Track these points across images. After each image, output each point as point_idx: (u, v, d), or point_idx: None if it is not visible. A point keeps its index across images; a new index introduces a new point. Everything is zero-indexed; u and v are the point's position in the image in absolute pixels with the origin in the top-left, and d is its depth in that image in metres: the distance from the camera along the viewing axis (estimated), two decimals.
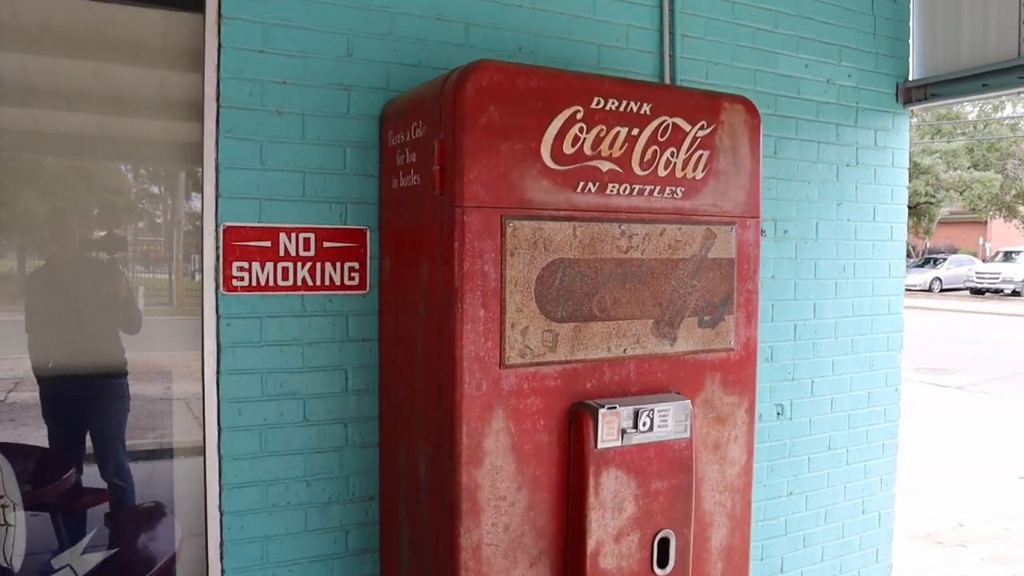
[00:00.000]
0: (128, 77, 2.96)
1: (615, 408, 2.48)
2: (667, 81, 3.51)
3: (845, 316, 4.17)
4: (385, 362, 2.91)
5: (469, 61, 2.38)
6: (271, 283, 2.78)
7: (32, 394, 3.20)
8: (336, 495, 2.93)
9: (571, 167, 2.46)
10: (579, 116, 2.46)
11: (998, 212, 35.05)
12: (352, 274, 2.90)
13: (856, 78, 4.12)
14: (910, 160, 4.43)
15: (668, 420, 2.59)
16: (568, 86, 2.45)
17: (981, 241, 39.44)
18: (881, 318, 4.29)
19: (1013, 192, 33.50)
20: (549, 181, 2.43)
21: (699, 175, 2.73)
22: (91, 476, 3.31)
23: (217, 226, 2.71)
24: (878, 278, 4.27)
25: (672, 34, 3.53)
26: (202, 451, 2.79)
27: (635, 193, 2.59)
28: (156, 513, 3.51)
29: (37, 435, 3.30)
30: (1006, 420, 9.98)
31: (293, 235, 2.81)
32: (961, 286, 31.78)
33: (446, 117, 2.35)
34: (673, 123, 2.64)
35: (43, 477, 3.27)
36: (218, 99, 2.69)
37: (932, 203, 32.86)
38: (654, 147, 2.61)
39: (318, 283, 2.85)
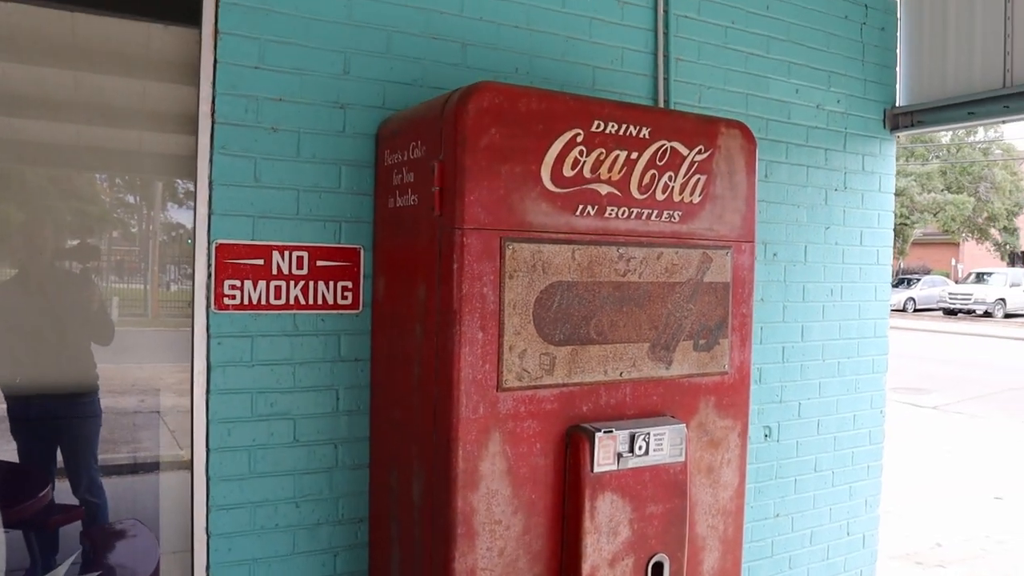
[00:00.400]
0: (123, 90, 2.93)
1: (611, 432, 2.47)
2: (661, 104, 3.52)
3: (832, 339, 4.20)
4: (377, 382, 2.88)
5: (465, 81, 2.39)
6: (263, 302, 2.75)
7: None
8: (325, 517, 2.89)
9: (571, 190, 2.46)
10: (579, 139, 2.46)
11: (970, 234, 35.67)
12: (345, 293, 2.87)
13: (845, 104, 4.17)
14: None
15: (663, 444, 2.58)
16: (569, 109, 2.45)
17: (954, 262, 40.00)
18: (867, 341, 4.33)
19: (985, 215, 34.12)
20: (549, 204, 2.42)
21: (696, 199, 2.73)
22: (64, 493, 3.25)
23: (209, 243, 2.67)
24: (864, 301, 4.30)
25: (666, 57, 3.55)
26: (189, 467, 2.73)
27: (633, 217, 2.59)
28: (133, 532, 3.44)
29: (6, 448, 3.23)
30: (981, 440, 10.09)
31: (286, 253, 2.78)
32: (934, 306, 32.20)
33: (447, 138, 2.34)
34: (671, 147, 2.65)
35: (15, 494, 3.21)
36: (213, 115, 2.66)
37: (907, 224, 33.35)
38: (652, 171, 2.61)
39: (311, 302, 2.82)
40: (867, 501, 4.37)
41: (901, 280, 34.54)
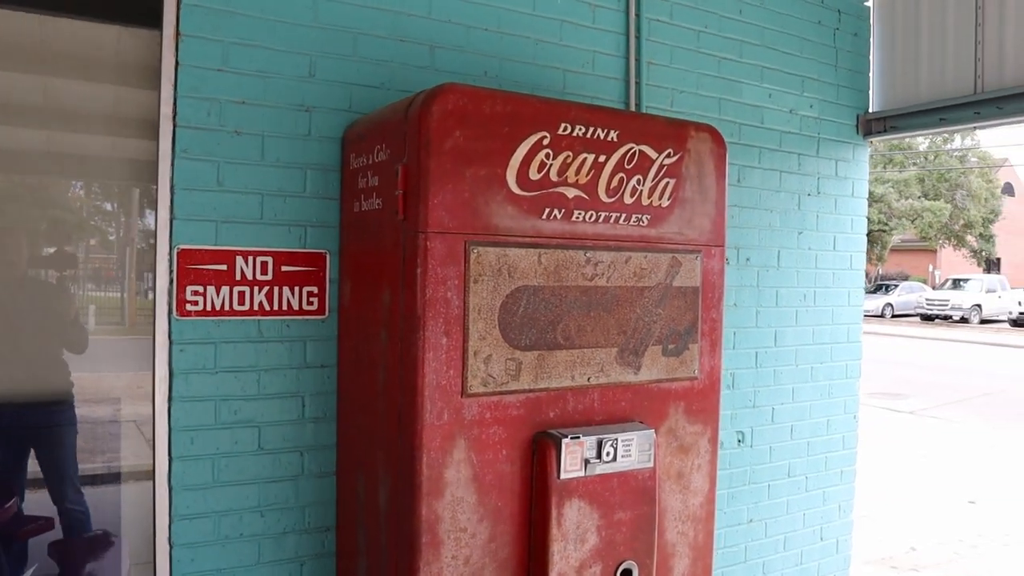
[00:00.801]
0: (81, 93, 2.88)
1: (579, 438, 2.44)
2: (633, 108, 3.51)
3: (805, 344, 4.20)
4: (344, 389, 2.84)
5: (434, 84, 2.35)
6: (227, 308, 2.70)
7: None
8: (291, 526, 2.84)
9: (537, 193, 2.43)
10: (546, 142, 2.43)
11: (948, 241, 36.03)
12: (311, 299, 2.83)
13: (818, 109, 4.18)
14: None
15: (632, 450, 2.55)
16: (535, 111, 2.43)
17: (931, 269, 40.41)
18: (840, 346, 4.33)
19: (962, 222, 34.47)
20: (514, 207, 2.40)
21: (665, 203, 2.71)
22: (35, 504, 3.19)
23: (171, 249, 2.62)
24: (838, 306, 4.31)
25: (638, 61, 3.53)
26: (152, 479, 2.68)
27: (601, 220, 2.57)
28: (103, 542, 3.38)
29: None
30: (956, 445, 10.15)
31: (250, 258, 2.73)
32: (912, 312, 32.46)
33: (411, 141, 2.31)
34: (640, 150, 2.63)
35: None
36: (174, 118, 2.62)
37: (884, 231, 33.62)
38: (621, 174, 2.59)
39: (275, 308, 2.77)
40: (840, 506, 4.36)
41: (879, 286, 34.84)
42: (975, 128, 4.40)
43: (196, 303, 2.65)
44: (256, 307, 2.75)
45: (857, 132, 4.36)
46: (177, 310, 2.63)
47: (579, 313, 2.54)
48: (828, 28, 4.20)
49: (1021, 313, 29.23)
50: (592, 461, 2.46)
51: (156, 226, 2.63)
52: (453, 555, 2.33)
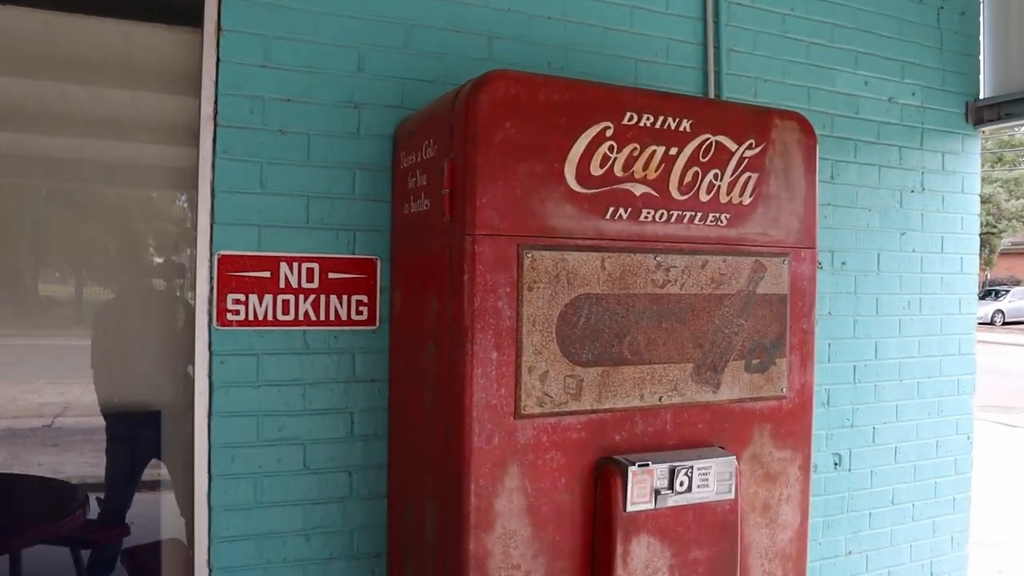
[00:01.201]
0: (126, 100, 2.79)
1: (648, 465, 2.17)
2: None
3: (910, 356, 3.79)
4: (395, 405, 2.64)
5: None
6: (270, 317, 2.54)
7: (76, 419, 3.10)
8: (339, 551, 2.65)
9: (599, 190, 2.18)
10: (609, 133, 2.18)
11: None
12: (360, 308, 2.65)
13: (921, 96, 3.77)
14: None
15: (710, 479, 2.26)
16: (596, 99, 2.17)
17: None
18: (951, 359, 3.90)
19: None
20: (574, 206, 2.15)
21: (747, 200, 2.42)
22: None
23: (212, 255, 2.48)
24: (947, 315, 3.88)
25: (717, 48, 3.23)
26: (191, 499, 2.53)
27: (673, 220, 2.29)
28: (176, 551, 3.30)
29: (78, 461, 3.22)
30: None
31: (295, 265, 2.56)
32: None
33: (457, 134, 2.09)
34: (717, 142, 2.34)
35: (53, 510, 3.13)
36: (215, 117, 2.48)
37: (993, 233, 31.73)
38: (695, 168, 2.31)
39: (322, 317, 2.60)
40: (953, 538, 3.92)
41: (988, 291, 32.89)
42: None
43: (237, 312, 2.50)
44: (301, 317, 2.58)
45: (966, 121, 3.92)
46: (218, 319, 2.48)
47: (649, 324, 2.26)
48: (931, 7, 3.80)
49: None
50: (664, 492, 2.18)
51: (196, 231, 2.49)
52: None
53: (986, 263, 33.38)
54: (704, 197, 2.34)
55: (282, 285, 2.55)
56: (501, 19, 2.84)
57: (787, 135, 2.49)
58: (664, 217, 2.28)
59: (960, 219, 3.92)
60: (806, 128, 2.54)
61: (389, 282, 2.67)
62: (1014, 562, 5.88)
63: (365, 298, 2.65)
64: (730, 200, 2.39)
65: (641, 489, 2.16)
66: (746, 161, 2.40)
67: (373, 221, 2.66)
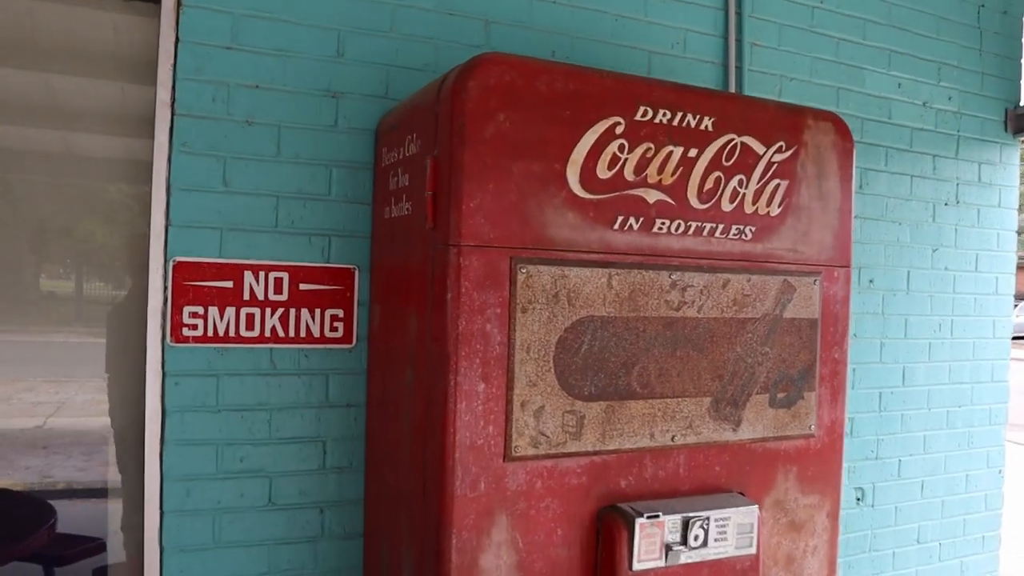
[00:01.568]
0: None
1: (658, 516, 1.86)
2: None
3: (940, 383, 3.48)
4: (372, 433, 2.34)
5: None
6: (232, 333, 2.24)
7: (70, 420, 2.90)
8: None
9: (607, 196, 1.88)
10: (619, 130, 1.88)
11: None
12: (335, 324, 2.35)
13: (957, 101, 3.47)
14: None
15: (728, 531, 1.96)
16: (606, 91, 1.88)
17: None
18: (983, 386, 3.59)
19: None
20: (577, 214, 1.85)
21: (775, 211, 2.12)
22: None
23: (166, 261, 2.18)
24: (980, 339, 3.58)
25: (739, 42, 2.94)
26: (140, 536, 2.23)
27: (691, 232, 1.99)
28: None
29: (66, 465, 3.02)
30: None
31: (261, 274, 2.27)
32: None
33: (443, 127, 1.79)
34: (742, 143, 2.05)
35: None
36: (172, 105, 2.18)
37: None
38: (717, 173, 2.01)
39: (291, 334, 2.30)
40: None
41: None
42: None
43: (195, 327, 2.20)
44: (268, 333, 2.28)
45: (1005, 129, 3.62)
46: (172, 335, 2.18)
47: (661, 352, 1.96)
48: (971, 5, 3.50)
49: None
50: (676, 547, 1.88)
51: (149, 234, 2.19)
52: None
53: None
54: (727, 206, 2.04)
55: (246, 297, 2.25)
56: (499, 1, 2.55)
57: (821, 138, 2.19)
58: (681, 229, 1.98)
59: (996, 235, 3.62)
60: (842, 131, 2.24)
61: (368, 295, 2.38)
62: None
63: (340, 312, 2.35)
64: (756, 211, 2.09)
65: (650, 544, 1.85)
66: (775, 166, 2.11)
67: (351, 226, 2.36)
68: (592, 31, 2.69)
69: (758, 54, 2.99)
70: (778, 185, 2.11)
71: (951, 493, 3.55)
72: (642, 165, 1.91)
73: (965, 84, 3.50)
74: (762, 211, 2.10)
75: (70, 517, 2.89)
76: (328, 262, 2.34)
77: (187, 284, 2.19)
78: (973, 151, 3.54)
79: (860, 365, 3.24)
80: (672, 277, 1.97)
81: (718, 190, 2.02)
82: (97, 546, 2.93)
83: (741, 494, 2.08)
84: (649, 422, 1.95)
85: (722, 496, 2.03)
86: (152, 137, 2.18)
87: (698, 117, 1.98)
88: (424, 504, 1.85)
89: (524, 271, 1.78)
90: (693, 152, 1.98)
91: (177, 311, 2.19)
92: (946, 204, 3.47)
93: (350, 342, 2.37)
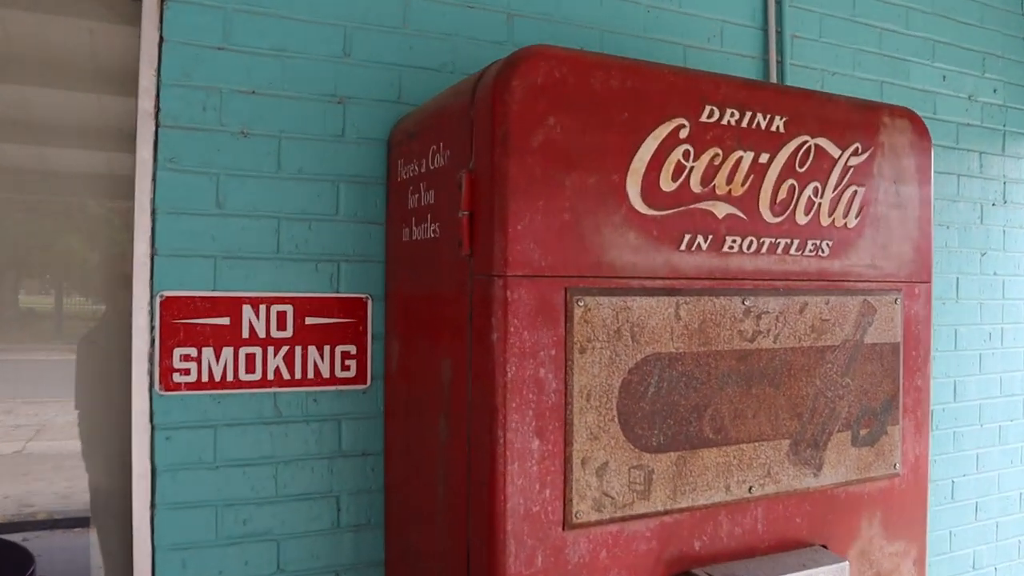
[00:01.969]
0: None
1: None
2: None
3: (991, 397, 3.24)
4: (394, 487, 2.05)
5: None
6: (230, 377, 1.95)
7: (50, 443, 2.53)
8: None
9: (672, 211, 1.60)
10: (683, 134, 1.60)
11: None
12: (347, 362, 2.06)
13: (1003, 94, 3.23)
14: None
15: None
16: (669, 89, 1.60)
17: None
18: None
19: None
20: (639, 233, 1.57)
21: (852, 222, 1.85)
22: None
23: (152, 296, 1.88)
24: None
25: (779, 34, 2.68)
26: None
27: (764, 250, 1.72)
28: None
29: (47, 492, 2.66)
30: None
31: (262, 308, 1.97)
32: None
33: (480, 135, 1.51)
34: (816, 145, 1.78)
35: None
36: (157, 115, 1.89)
37: None
38: (790, 181, 1.75)
39: (297, 375, 2.01)
40: None
41: None
42: None
43: (187, 372, 1.91)
44: (271, 375, 1.98)
45: None
46: (161, 382, 1.88)
47: (735, 391, 1.69)
48: None
49: None
50: None
51: (132, 265, 1.89)
52: None
53: None
54: (802, 219, 1.77)
55: (245, 335, 1.95)
56: None
57: (897, 137, 1.93)
58: (753, 247, 1.71)
59: None
60: (920, 128, 1.98)
61: (383, 328, 2.09)
62: None
63: (353, 349, 2.06)
64: (832, 222, 1.82)
65: None
66: (851, 171, 1.84)
67: (362, 249, 2.08)
68: (624, 24, 2.42)
69: (799, 47, 2.73)
70: (855, 192, 1.85)
71: (1005, 513, 3.31)
72: (709, 174, 1.64)
73: (1010, 76, 3.26)
74: (839, 223, 1.83)
75: (54, 550, 2.61)
76: (337, 291, 2.05)
77: (177, 322, 1.90)
78: (1020, 146, 3.30)
79: None
80: (745, 303, 1.69)
81: (792, 200, 1.75)
82: None
83: (824, 547, 1.80)
84: (724, 472, 1.67)
85: (805, 552, 1.76)
86: (134, 152, 1.88)
87: (768, 117, 1.71)
88: None
89: (582, 304, 1.50)
90: (764, 157, 1.71)
91: (166, 354, 1.89)
92: (994, 204, 3.22)
93: (364, 382, 2.08)
